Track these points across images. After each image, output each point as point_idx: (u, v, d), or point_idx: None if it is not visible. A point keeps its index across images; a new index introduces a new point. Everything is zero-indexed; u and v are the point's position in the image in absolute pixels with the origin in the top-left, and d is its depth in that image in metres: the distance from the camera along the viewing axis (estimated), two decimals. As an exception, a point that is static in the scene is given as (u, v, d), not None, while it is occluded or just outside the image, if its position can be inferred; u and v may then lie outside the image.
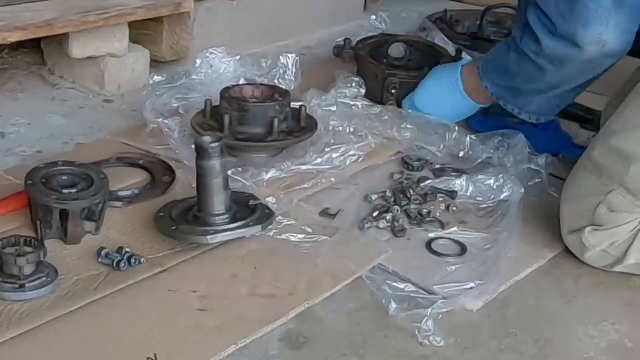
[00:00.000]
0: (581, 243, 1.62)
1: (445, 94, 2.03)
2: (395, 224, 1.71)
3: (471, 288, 1.52)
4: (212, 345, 1.36)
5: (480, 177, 1.84)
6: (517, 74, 1.86)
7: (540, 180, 1.88)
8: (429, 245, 1.67)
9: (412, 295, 1.50)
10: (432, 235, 1.70)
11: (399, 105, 2.12)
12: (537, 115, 1.95)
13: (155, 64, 2.34)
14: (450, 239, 1.69)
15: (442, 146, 1.97)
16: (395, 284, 1.52)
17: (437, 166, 1.94)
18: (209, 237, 1.56)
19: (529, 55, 1.79)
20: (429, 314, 1.44)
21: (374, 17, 2.63)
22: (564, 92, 1.85)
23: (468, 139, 1.96)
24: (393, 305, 1.47)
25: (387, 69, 2.17)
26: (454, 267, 1.59)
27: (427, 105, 2.05)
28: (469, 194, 1.82)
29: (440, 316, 1.44)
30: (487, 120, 2.11)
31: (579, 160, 1.69)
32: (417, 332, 1.42)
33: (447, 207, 1.79)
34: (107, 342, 1.34)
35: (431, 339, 1.41)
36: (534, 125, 2.10)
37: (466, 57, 2.27)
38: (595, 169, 1.62)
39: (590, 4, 1.65)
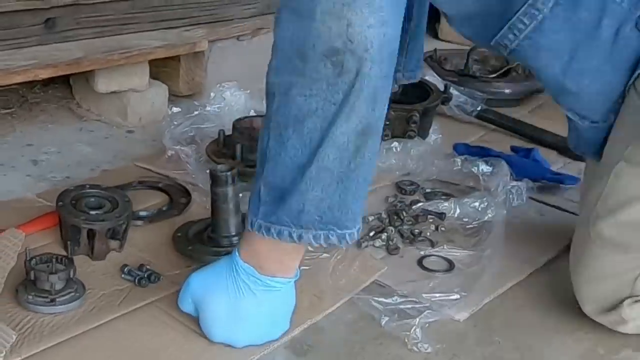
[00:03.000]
0: (620, 318, 1.49)
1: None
2: (390, 242, 1.72)
3: (458, 300, 1.53)
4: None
5: (466, 200, 1.85)
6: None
7: (521, 202, 1.89)
8: (420, 261, 1.68)
9: (402, 307, 1.51)
10: (423, 252, 1.71)
11: (394, 136, 2.12)
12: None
13: (173, 97, 2.36)
14: (439, 256, 1.70)
15: (431, 173, 1.99)
16: (388, 297, 1.52)
17: (428, 190, 1.95)
18: (221, 257, 1.57)
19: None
20: (416, 323, 1.45)
21: (370, 54, 2.65)
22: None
23: (455, 166, 1.98)
24: (385, 316, 1.48)
25: (382, 102, 2.18)
26: (442, 282, 1.60)
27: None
28: (456, 215, 1.83)
29: (428, 325, 1.45)
30: (472, 148, 2.12)
31: (578, 241, 1.51)
32: (406, 340, 1.43)
33: (437, 227, 1.80)
34: (130, 356, 1.34)
35: (419, 345, 1.42)
36: (514, 152, 2.13)
37: (453, 91, 2.29)
38: (617, 249, 1.44)
39: None
